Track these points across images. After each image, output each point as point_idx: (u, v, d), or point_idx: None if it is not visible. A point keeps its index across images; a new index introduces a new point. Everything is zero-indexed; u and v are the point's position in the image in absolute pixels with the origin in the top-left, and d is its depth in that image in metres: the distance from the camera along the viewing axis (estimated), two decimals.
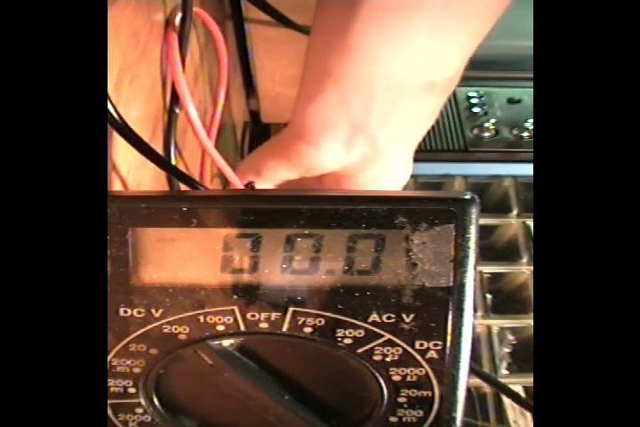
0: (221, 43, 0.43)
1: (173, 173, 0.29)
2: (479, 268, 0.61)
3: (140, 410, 0.23)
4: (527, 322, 0.59)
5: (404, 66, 0.25)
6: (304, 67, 0.27)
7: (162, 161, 0.28)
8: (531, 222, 0.65)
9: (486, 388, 0.54)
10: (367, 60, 0.25)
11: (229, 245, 0.21)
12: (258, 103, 0.65)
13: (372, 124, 0.27)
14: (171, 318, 0.21)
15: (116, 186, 0.30)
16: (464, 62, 0.26)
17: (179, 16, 0.36)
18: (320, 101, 0.26)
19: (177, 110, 0.36)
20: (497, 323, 0.59)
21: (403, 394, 0.22)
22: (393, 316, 0.21)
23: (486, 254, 0.64)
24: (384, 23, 0.24)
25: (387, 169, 0.29)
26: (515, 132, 0.72)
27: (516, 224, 0.65)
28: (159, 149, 0.37)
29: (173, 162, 0.38)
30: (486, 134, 0.72)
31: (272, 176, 0.31)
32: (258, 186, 0.31)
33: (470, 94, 0.76)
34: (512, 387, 0.54)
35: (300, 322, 0.21)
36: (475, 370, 0.30)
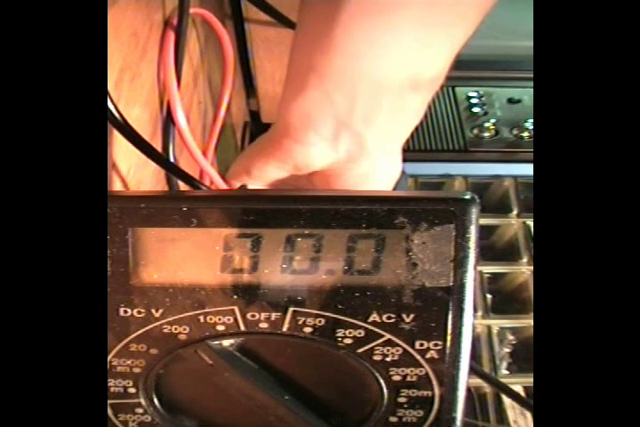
0: (228, 45, 0.43)
1: (173, 171, 0.29)
2: (479, 268, 0.61)
3: (140, 410, 0.23)
4: (527, 322, 0.59)
5: (388, 64, 0.25)
6: (288, 64, 0.27)
7: (162, 159, 0.28)
8: (531, 222, 0.65)
9: (486, 388, 0.54)
10: (351, 58, 0.25)
11: (229, 245, 0.21)
12: (258, 103, 0.65)
13: (357, 121, 0.27)
14: (171, 318, 0.21)
15: (116, 186, 0.30)
16: (449, 61, 0.26)
17: (176, 19, 0.36)
18: (304, 98, 0.26)
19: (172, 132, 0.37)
20: (497, 323, 0.59)
21: (403, 394, 0.22)
22: (393, 316, 0.21)
23: (486, 254, 0.64)
24: (368, 21, 0.24)
25: (374, 167, 0.29)
26: (515, 132, 0.72)
27: (516, 224, 0.65)
28: (159, 148, 0.37)
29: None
30: (486, 134, 0.72)
31: (262, 176, 0.31)
32: (250, 186, 0.31)
33: (470, 94, 0.76)
34: (512, 387, 0.54)
35: (300, 322, 0.21)
36: (475, 369, 0.30)
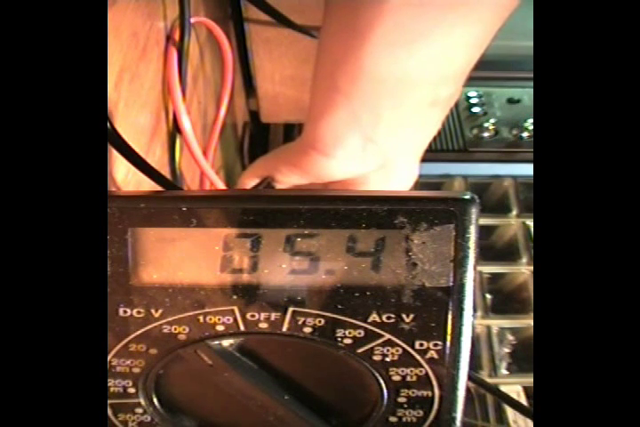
0: (227, 51, 0.43)
1: (161, 183, 0.29)
2: (479, 268, 0.61)
3: (139, 410, 0.23)
4: (527, 322, 0.59)
5: (410, 86, 0.27)
6: (313, 84, 0.29)
7: (157, 175, 0.28)
8: (530, 222, 0.65)
9: None
10: (376, 81, 0.26)
11: (229, 245, 0.21)
12: (257, 103, 0.65)
13: (382, 136, 0.28)
14: (170, 318, 0.21)
15: (116, 186, 0.30)
16: (464, 79, 0.28)
17: (178, 30, 0.37)
18: (332, 117, 0.28)
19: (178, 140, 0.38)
20: (497, 323, 0.59)
21: (403, 394, 0.22)
22: (393, 316, 0.21)
23: (486, 254, 0.64)
24: (392, 48, 0.25)
25: (395, 176, 0.31)
26: (514, 132, 0.72)
27: (516, 224, 0.65)
28: (160, 147, 0.37)
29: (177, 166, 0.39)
30: (486, 134, 0.72)
31: (284, 180, 0.33)
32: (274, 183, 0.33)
33: (470, 94, 0.76)
34: (512, 387, 0.54)
35: (300, 322, 0.21)
36: (474, 378, 0.30)
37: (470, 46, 0.26)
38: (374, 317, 0.21)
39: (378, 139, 0.29)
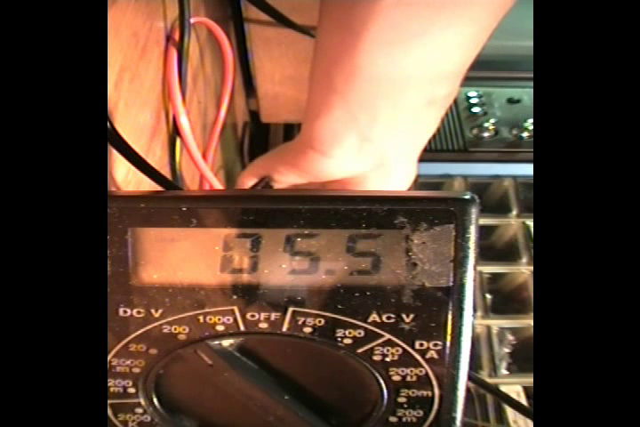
0: (228, 51, 0.43)
1: (167, 186, 0.29)
2: (479, 268, 0.61)
3: (139, 410, 0.23)
4: (527, 322, 0.59)
5: (407, 85, 0.27)
6: (310, 84, 0.29)
7: (157, 175, 0.28)
8: (530, 222, 0.65)
9: None
10: (372, 81, 0.26)
11: (229, 245, 0.21)
12: (257, 103, 0.65)
13: (378, 135, 0.29)
14: (170, 318, 0.21)
15: (116, 186, 0.30)
16: (461, 78, 0.28)
17: (178, 30, 0.37)
18: (328, 116, 0.28)
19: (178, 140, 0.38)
20: (497, 323, 0.59)
21: (402, 394, 0.22)
22: (393, 316, 0.21)
23: (486, 254, 0.64)
24: (388, 47, 0.25)
25: (393, 175, 0.31)
26: (514, 132, 0.72)
27: (516, 224, 0.65)
28: (160, 147, 0.38)
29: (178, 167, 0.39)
30: (486, 134, 0.72)
31: (282, 180, 0.33)
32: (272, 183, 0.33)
33: (470, 94, 0.76)
34: (512, 387, 0.54)
35: (300, 322, 0.21)
36: (474, 378, 0.30)
37: (465, 46, 0.26)
38: (374, 317, 0.21)
39: (375, 138, 0.29)
